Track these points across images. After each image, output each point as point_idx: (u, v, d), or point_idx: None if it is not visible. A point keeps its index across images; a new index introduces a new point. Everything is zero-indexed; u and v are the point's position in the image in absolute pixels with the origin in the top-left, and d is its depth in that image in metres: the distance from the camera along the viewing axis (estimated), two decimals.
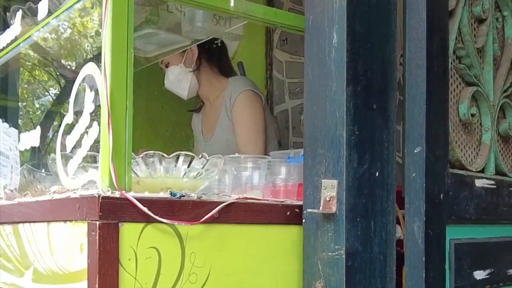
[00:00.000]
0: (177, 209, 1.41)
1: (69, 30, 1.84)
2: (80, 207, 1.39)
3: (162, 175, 1.53)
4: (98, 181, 1.44)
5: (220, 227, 1.48)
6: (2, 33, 2.13)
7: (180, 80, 2.61)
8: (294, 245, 1.57)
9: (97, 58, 1.61)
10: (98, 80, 1.46)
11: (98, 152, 1.47)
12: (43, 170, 2.06)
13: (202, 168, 1.56)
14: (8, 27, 2.11)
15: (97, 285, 1.29)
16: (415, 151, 1.56)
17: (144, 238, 1.36)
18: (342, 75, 1.46)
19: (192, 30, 1.88)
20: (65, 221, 1.47)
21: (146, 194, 1.40)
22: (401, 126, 1.66)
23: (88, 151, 1.53)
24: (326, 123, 1.51)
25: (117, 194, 1.34)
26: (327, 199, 1.49)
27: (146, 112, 3.32)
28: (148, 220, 1.36)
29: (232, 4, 1.56)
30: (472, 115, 1.77)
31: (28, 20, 2.07)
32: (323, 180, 1.50)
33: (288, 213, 1.59)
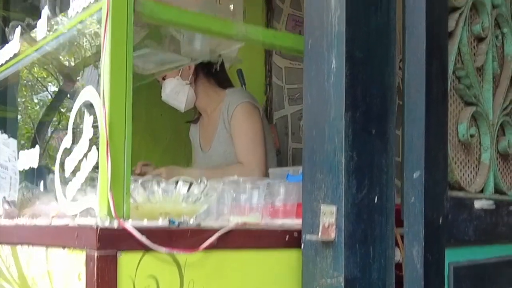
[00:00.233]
0: (176, 237, 1.40)
1: (68, 49, 1.82)
2: (78, 235, 1.38)
3: (161, 200, 1.53)
4: (97, 209, 1.43)
5: (218, 253, 1.47)
6: (2, 47, 2.13)
7: (177, 92, 2.60)
8: (293, 270, 1.57)
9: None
10: (97, 105, 1.46)
11: (97, 172, 1.46)
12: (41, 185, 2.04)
13: (201, 193, 1.55)
14: (7, 41, 2.11)
15: None
16: (414, 176, 1.55)
17: (143, 267, 1.36)
18: (341, 100, 1.46)
19: (191, 51, 1.87)
20: (63, 247, 1.47)
21: (145, 223, 1.39)
22: (400, 131, 1.64)
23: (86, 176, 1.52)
24: (325, 148, 1.50)
25: (115, 224, 1.34)
26: (326, 225, 1.48)
27: (145, 120, 3.31)
28: (147, 249, 1.36)
29: (231, 28, 1.55)
30: (472, 136, 1.77)
31: (27, 36, 2.06)
32: (322, 206, 1.50)
33: (287, 237, 1.59)
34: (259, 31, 1.66)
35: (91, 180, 1.58)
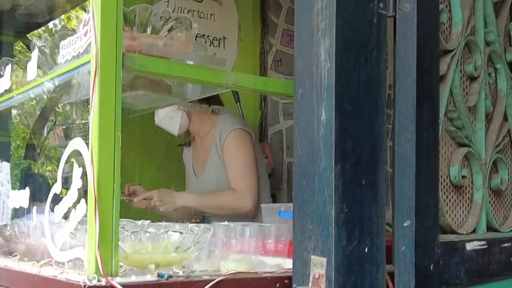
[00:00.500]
0: None
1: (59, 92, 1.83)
2: None
3: (150, 250, 1.53)
4: (85, 262, 1.44)
5: None
6: None
7: (170, 117, 2.62)
8: None
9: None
10: (85, 157, 1.46)
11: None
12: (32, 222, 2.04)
13: (192, 242, 1.55)
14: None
15: None
16: (404, 225, 1.55)
17: None
18: (330, 153, 1.46)
19: (182, 92, 1.87)
20: None
21: (133, 279, 1.40)
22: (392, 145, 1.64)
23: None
24: (315, 199, 1.50)
25: (103, 282, 1.34)
26: (316, 277, 1.49)
27: (139, 137, 3.31)
28: None
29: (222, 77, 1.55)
30: (463, 177, 1.77)
31: (18, 73, 2.07)
32: (312, 257, 1.50)
33: (277, 285, 1.59)
34: (249, 78, 1.66)
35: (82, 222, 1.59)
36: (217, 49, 3.69)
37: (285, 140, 3.87)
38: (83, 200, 1.48)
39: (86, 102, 2.01)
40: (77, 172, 1.50)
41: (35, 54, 1.77)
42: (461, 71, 1.80)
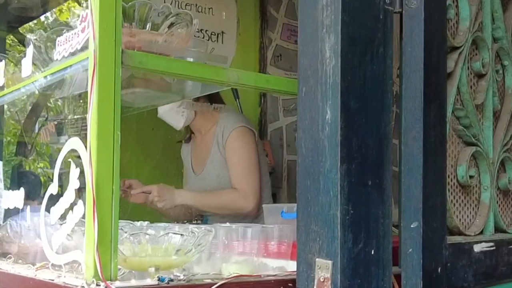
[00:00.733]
0: None
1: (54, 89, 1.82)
2: None
3: (150, 253, 1.52)
4: (83, 265, 1.43)
5: None
6: None
7: (177, 111, 2.61)
8: None
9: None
10: (84, 158, 1.45)
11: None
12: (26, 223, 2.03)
13: (193, 244, 1.55)
14: None
15: None
16: (411, 226, 1.55)
17: None
18: (336, 153, 1.45)
19: (181, 90, 1.86)
20: None
21: (133, 283, 1.39)
22: (398, 141, 1.63)
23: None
24: (319, 200, 1.49)
25: (102, 287, 1.33)
26: (321, 280, 1.48)
27: (136, 134, 3.30)
28: None
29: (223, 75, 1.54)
30: (471, 177, 1.77)
31: (9, 67, 2.06)
32: (317, 259, 1.49)
33: None
34: (251, 76, 1.65)
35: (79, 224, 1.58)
36: (215, 44, 3.67)
37: (285, 137, 3.86)
38: (80, 201, 1.47)
39: (79, 96, 2.00)
40: (74, 172, 1.49)
41: (30, 50, 1.75)
42: (468, 68, 1.80)
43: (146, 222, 1.77)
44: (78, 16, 1.55)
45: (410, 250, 1.55)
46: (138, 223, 1.70)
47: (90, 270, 1.36)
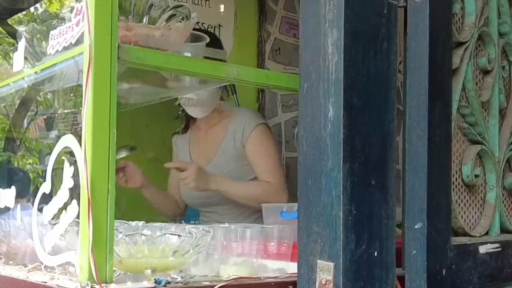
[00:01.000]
0: None
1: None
2: None
3: (146, 254, 1.52)
4: (77, 267, 1.43)
5: None
6: None
7: (211, 100, 2.66)
8: None
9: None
10: (78, 155, 1.45)
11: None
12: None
13: (191, 245, 1.55)
14: None
15: None
16: (415, 227, 1.55)
17: None
18: (338, 151, 1.45)
19: (178, 86, 1.86)
20: None
21: (129, 285, 1.39)
22: (400, 137, 1.64)
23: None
24: (321, 200, 1.50)
25: None
26: (323, 282, 1.48)
27: (130, 130, 3.29)
28: None
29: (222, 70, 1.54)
30: (476, 176, 1.77)
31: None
32: (318, 261, 1.49)
33: None
34: (251, 71, 1.66)
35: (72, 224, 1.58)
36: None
37: (284, 133, 3.86)
38: (74, 201, 1.46)
39: (70, 90, 2.00)
40: (68, 170, 1.49)
41: (22, 44, 1.75)
42: (474, 64, 1.80)
43: (142, 222, 1.77)
44: (69, 7, 1.54)
45: (414, 251, 1.56)
46: (134, 223, 1.70)
47: (85, 272, 1.36)
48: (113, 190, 1.40)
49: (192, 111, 2.71)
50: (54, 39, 1.57)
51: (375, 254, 1.51)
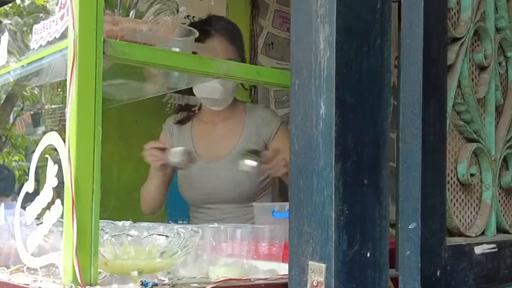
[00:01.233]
0: None
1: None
2: None
3: (132, 256, 1.52)
4: (60, 270, 1.42)
5: None
6: None
7: (232, 91, 2.68)
8: None
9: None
10: (62, 153, 1.44)
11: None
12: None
13: (179, 246, 1.54)
14: None
15: None
16: (409, 227, 1.55)
17: None
18: (330, 150, 1.45)
19: (167, 82, 1.85)
20: None
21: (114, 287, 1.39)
22: (395, 135, 1.63)
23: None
24: (313, 199, 1.49)
25: None
26: (314, 284, 1.48)
27: (117, 127, 3.28)
28: None
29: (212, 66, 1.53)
30: (472, 175, 1.77)
31: None
32: (310, 262, 1.49)
33: None
34: (242, 67, 1.65)
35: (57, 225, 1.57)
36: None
37: None
38: (58, 200, 1.46)
39: (57, 85, 1.98)
40: (52, 169, 1.48)
41: (5, 37, 1.73)
42: (469, 60, 1.80)
43: (129, 222, 1.76)
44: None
45: (407, 252, 1.55)
46: (120, 223, 1.69)
47: (68, 274, 1.36)
48: (98, 190, 1.39)
49: (212, 103, 2.71)
50: (38, 33, 1.56)
51: (368, 255, 1.51)
